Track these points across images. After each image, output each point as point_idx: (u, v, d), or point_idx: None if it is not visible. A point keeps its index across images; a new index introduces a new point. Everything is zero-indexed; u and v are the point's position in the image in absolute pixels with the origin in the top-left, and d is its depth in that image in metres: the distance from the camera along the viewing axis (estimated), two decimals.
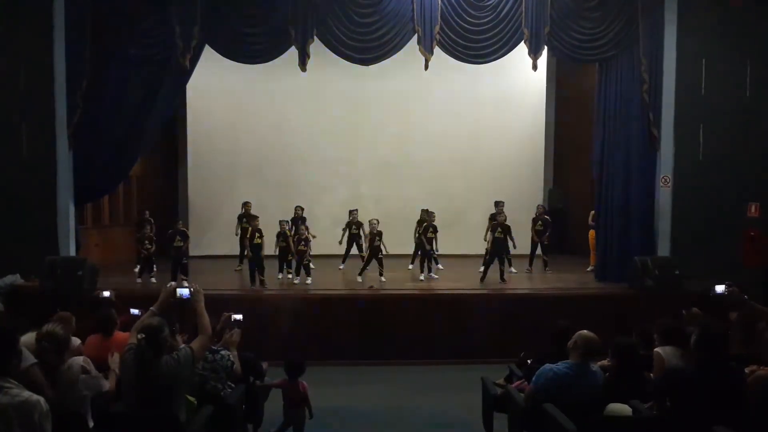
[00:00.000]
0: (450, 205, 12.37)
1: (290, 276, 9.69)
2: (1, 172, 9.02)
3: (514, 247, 10.11)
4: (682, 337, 4.33)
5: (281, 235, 9.54)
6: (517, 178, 13.04)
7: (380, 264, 9.45)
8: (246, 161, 13.04)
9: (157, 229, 10.27)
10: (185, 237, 9.66)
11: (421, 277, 9.89)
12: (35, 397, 2.44)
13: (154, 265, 9.70)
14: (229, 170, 12.97)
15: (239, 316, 5.05)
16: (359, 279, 9.56)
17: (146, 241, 9.64)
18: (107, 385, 3.95)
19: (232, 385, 4.80)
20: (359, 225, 10.54)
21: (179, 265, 9.42)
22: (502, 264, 9.65)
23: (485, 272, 9.64)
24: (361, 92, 12.74)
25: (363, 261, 9.76)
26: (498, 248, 9.66)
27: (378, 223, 9.64)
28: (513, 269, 10.47)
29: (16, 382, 2.48)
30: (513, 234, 9.90)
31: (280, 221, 9.82)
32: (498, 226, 9.69)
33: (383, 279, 9.38)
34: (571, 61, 10.18)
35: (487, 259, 9.76)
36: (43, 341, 3.69)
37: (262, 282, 9.13)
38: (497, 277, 9.59)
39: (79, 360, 3.88)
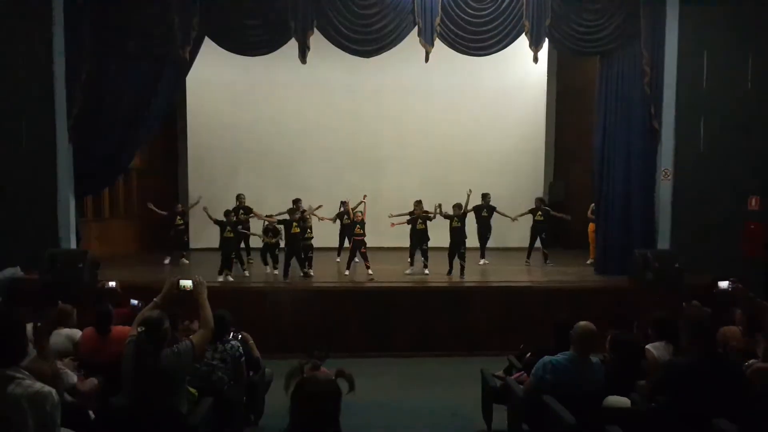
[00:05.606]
0: (450, 199, 12.31)
1: (276, 272, 9.65)
2: (1, 165, 9.00)
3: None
4: (674, 330, 4.33)
5: (270, 231, 9.58)
6: (518, 171, 13.02)
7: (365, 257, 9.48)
8: (246, 153, 13.01)
9: (153, 221, 10.39)
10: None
11: (407, 271, 9.71)
12: (47, 388, 2.46)
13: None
14: (228, 162, 12.94)
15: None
16: (346, 272, 9.55)
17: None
18: (74, 379, 4.04)
19: (239, 378, 4.82)
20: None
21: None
22: (462, 259, 9.37)
23: (450, 264, 9.46)
24: (360, 84, 12.70)
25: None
26: (457, 238, 9.51)
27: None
28: (485, 260, 10.51)
29: (27, 372, 2.50)
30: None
31: (267, 216, 9.83)
32: (454, 217, 9.56)
33: (370, 272, 9.27)
34: (572, 53, 10.14)
35: (450, 250, 9.52)
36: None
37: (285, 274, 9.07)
38: (498, 268, 9.54)
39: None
